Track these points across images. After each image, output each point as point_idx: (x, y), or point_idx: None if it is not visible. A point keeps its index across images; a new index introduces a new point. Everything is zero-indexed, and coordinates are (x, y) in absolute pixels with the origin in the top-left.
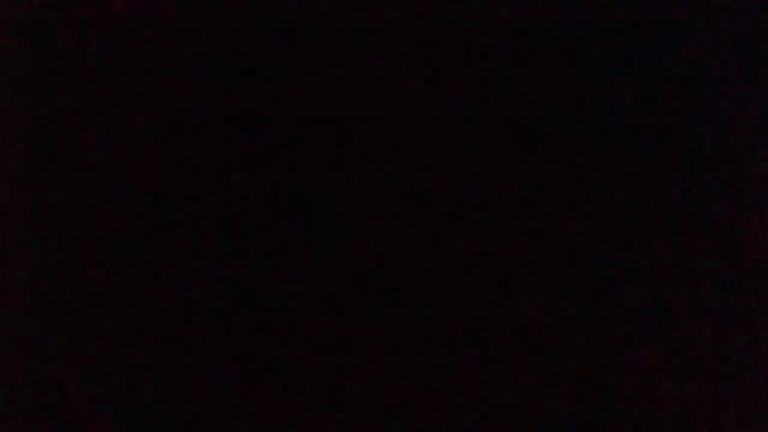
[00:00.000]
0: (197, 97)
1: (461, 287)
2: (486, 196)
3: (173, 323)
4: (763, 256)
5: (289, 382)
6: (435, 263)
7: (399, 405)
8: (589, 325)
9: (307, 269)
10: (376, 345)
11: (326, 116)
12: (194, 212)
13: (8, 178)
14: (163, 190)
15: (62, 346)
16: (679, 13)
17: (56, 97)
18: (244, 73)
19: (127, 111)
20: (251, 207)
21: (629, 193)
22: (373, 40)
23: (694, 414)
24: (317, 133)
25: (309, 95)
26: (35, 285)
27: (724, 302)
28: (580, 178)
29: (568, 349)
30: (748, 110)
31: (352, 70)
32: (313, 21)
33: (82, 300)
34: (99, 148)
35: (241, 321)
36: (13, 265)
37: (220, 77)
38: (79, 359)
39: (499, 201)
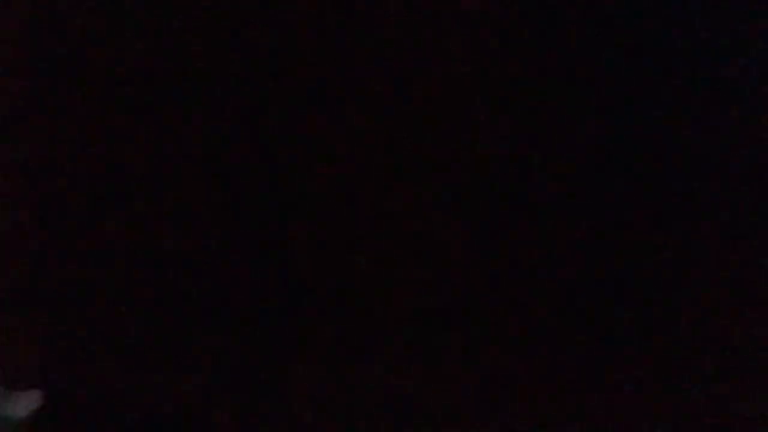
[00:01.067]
0: (197, 94)
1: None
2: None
3: (172, 319)
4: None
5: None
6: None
7: (399, 394)
8: (591, 321)
9: (309, 262)
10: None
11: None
12: (192, 201)
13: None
14: (162, 180)
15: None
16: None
17: (56, 100)
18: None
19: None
20: (249, 200)
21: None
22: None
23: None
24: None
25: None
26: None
27: (727, 295)
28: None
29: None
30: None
31: (351, 51)
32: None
33: (79, 296)
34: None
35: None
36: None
37: (222, 76)
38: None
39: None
